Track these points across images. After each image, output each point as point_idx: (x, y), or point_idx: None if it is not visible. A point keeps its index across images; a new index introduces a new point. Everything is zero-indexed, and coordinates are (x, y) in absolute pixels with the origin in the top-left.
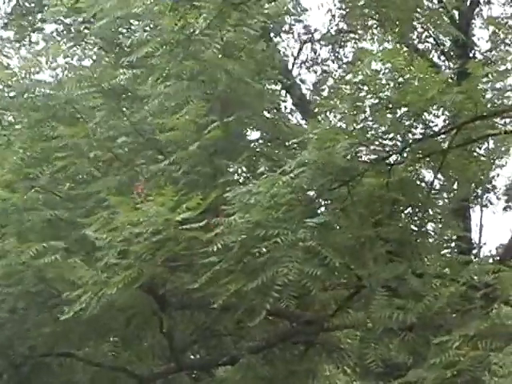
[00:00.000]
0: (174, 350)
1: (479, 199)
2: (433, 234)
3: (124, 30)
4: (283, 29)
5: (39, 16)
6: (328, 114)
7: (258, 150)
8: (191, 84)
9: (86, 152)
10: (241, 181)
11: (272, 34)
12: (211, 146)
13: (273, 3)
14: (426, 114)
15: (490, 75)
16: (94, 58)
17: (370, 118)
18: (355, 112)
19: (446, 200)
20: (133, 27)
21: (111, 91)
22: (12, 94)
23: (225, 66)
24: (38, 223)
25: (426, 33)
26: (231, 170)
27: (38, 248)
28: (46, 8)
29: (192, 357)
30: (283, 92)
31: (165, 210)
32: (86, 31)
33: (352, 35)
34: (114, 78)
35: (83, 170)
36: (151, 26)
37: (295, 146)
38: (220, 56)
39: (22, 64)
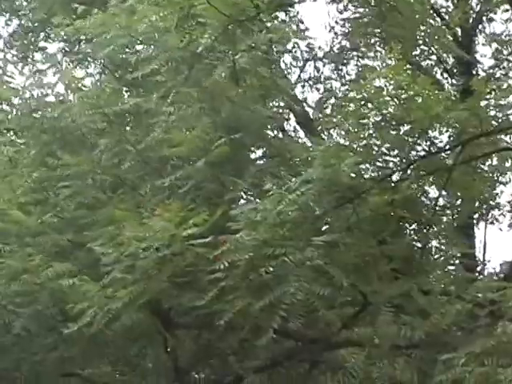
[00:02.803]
0: (178, 370)
1: (484, 216)
2: (438, 250)
3: (128, 51)
4: (287, 47)
5: (42, 35)
6: (332, 131)
7: (262, 168)
8: (197, 112)
9: (91, 178)
10: (246, 198)
11: (276, 54)
12: (217, 163)
13: (276, 22)
14: (430, 130)
15: (493, 92)
16: (98, 77)
17: (374, 135)
18: (359, 129)
19: (451, 217)
20: (137, 46)
21: (115, 116)
22: (18, 114)
23: (230, 93)
24: (50, 247)
25: (428, 50)
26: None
27: (55, 270)
28: (50, 27)
29: (196, 376)
30: (286, 110)
31: (171, 225)
32: (88, 50)
33: (355, 53)
34: (118, 102)
35: (89, 195)
36: (156, 43)
37: (300, 163)
38: (226, 82)
39: (29, 83)
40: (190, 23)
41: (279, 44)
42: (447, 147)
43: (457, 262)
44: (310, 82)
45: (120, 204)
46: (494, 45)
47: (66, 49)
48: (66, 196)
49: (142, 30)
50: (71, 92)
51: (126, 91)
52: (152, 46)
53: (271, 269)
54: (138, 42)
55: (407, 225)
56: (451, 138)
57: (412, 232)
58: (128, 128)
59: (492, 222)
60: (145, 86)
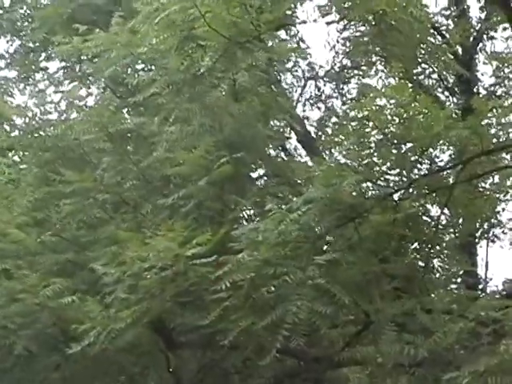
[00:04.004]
0: None
1: (485, 234)
2: (440, 269)
3: (129, 70)
4: (287, 66)
5: (43, 55)
6: (333, 150)
7: (263, 187)
8: (198, 129)
9: (93, 196)
10: (248, 217)
11: (276, 73)
12: (220, 182)
13: (277, 41)
14: (431, 149)
15: (494, 110)
16: (99, 97)
17: (376, 154)
18: (360, 148)
19: (453, 235)
20: (138, 67)
21: (118, 135)
22: (20, 133)
23: (231, 110)
24: (50, 265)
25: (429, 68)
26: (239, 206)
27: (53, 289)
28: (51, 47)
29: None
30: (287, 129)
31: (174, 245)
32: (90, 70)
33: (356, 71)
34: (120, 122)
35: (91, 213)
36: (157, 65)
37: (301, 183)
38: (227, 99)
39: (30, 103)
40: (191, 45)
41: (279, 62)
42: (448, 166)
43: (459, 280)
44: (311, 101)
45: (122, 223)
46: (495, 63)
47: (67, 68)
48: (67, 213)
49: (142, 51)
50: (74, 110)
51: (128, 112)
52: (153, 68)
53: (273, 288)
54: (140, 61)
55: (409, 243)
56: (452, 157)
57: (414, 250)
58: (130, 147)
59: (493, 241)
60: (146, 107)
